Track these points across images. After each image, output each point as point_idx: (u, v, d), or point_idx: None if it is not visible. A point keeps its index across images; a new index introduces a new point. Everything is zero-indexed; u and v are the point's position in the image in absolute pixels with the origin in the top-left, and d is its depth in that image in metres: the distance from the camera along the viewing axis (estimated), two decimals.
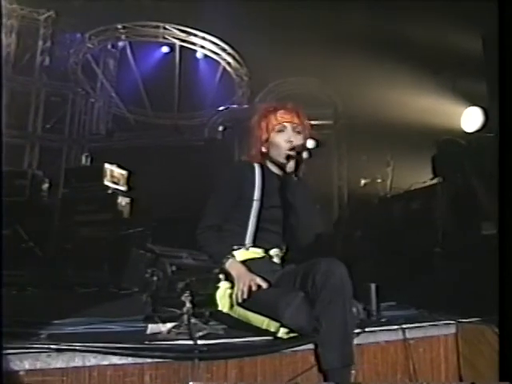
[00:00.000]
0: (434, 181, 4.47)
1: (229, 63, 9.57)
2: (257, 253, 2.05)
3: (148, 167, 6.64)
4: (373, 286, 2.23)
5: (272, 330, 1.71)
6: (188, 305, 1.80)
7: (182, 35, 9.01)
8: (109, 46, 9.78)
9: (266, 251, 2.07)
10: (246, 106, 9.69)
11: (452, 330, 2.21)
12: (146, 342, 1.55)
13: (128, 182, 5.16)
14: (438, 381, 2.10)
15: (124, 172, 5.22)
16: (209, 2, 8.09)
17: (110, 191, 4.86)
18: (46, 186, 5.01)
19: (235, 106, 9.61)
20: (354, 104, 8.33)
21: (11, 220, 4.44)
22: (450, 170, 4.33)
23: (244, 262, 2.00)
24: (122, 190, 5.02)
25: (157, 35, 9.00)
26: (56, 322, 2.00)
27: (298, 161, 1.95)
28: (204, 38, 9.11)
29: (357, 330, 1.89)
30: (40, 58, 9.16)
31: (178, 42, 9.06)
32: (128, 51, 9.31)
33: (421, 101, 7.28)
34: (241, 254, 2.02)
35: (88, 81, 9.30)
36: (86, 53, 9.06)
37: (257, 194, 2.00)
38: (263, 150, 2.06)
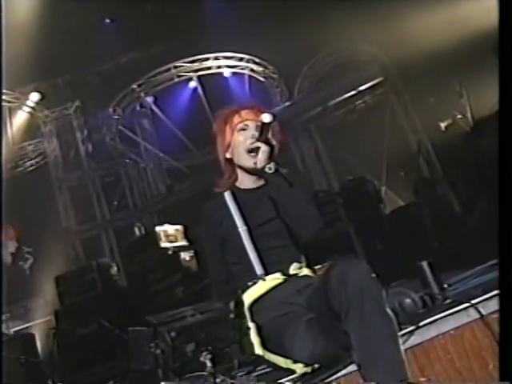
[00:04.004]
0: None
1: (252, 69, 9.58)
2: (276, 278, 1.94)
3: None
4: (424, 264, 1.94)
5: (292, 367, 1.58)
6: (209, 364, 1.75)
7: (195, 65, 9.25)
8: (137, 108, 10.35)
9: (284, 273, 1.96)
10: (287, 103, 9.57)
11: None
12: None
13: (186, 235, 5.31)
14: None
15: (178, 227, 5.38)
16: (201, 21, 8.25)
17: (170, 252, 5.05)
18: (114, 270, 5.36)
19: (276, 108, 9.52)
20: (397, 49, 7.80)
21: (93, 316, 4.81)
22: None
23: (267, 294, 1.91)
24: (182, 246, 5.18)
25: (171, 77, 9.33)
26: None
27: (269, 149, 1.84)
28: (216, 58, 9.25)
29: (409, 328, 1.67)
30: (83, 147, 9.98)
31: (193, 74, 9.31)
32: (153, 104, 9.76)
33: (463, 9, 6.59)
34: (260, 288, 1.93)
35: (131, 149, 9.89)
36: (117, 125, 9.68)
37: (239, 223, 1.91)
38: (227, 156, 1.99)
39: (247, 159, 1.91)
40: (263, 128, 1.83)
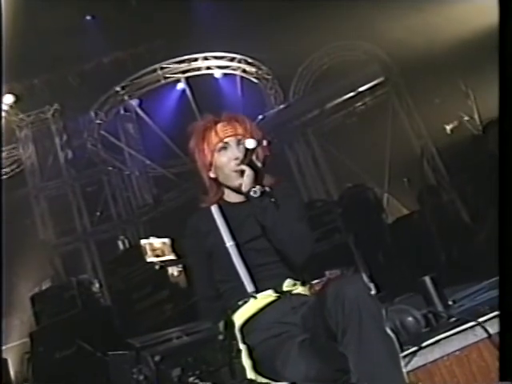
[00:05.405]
0: None
1: (244, 70, 9.62)
2: (268, 296, 1.95)
3: None
4: (427, 279, 1.96)
5: None
6: None
7: (183, 66, 9.28)
8: (121, 112, 10.35)
9: (277, 290, 1.96)
10: (282, 105, 9.61)
11: None
12: None
13: (174, 248, 5.31)
14: None
15: (166, 240, 5.38)
16: (190, 19, 8.30)
17: (157, 267, 5.04)
18: (96, 287, 5.34)
19: (271, 111, 9.57)
20: (398, 47, 7.87)
21: (72, 337, 4.76)
22: None
23: (259, 313, 1.91)
24: (169, 260, 5.18)
25: (158, 79, 9.37)
26: None
27: (254, 172, 1.85)
28: (206, 58, 9.29)
29: (412, 349, 1.68)
30: (62, 154, 9.97)
31: (181, 75, 9.34)
32: (138, 108, 9.78)
33: (466, 4, 6.67)
34: (252, 307, 1.93)
35: (114, 156, 9.89)
36: (99, 129, 9.68)
37: (227, 238, 1.92)
38: (211, 175, 2.00)
39: (233, 179, 1.93)
40: (247, 152, 1.84)
